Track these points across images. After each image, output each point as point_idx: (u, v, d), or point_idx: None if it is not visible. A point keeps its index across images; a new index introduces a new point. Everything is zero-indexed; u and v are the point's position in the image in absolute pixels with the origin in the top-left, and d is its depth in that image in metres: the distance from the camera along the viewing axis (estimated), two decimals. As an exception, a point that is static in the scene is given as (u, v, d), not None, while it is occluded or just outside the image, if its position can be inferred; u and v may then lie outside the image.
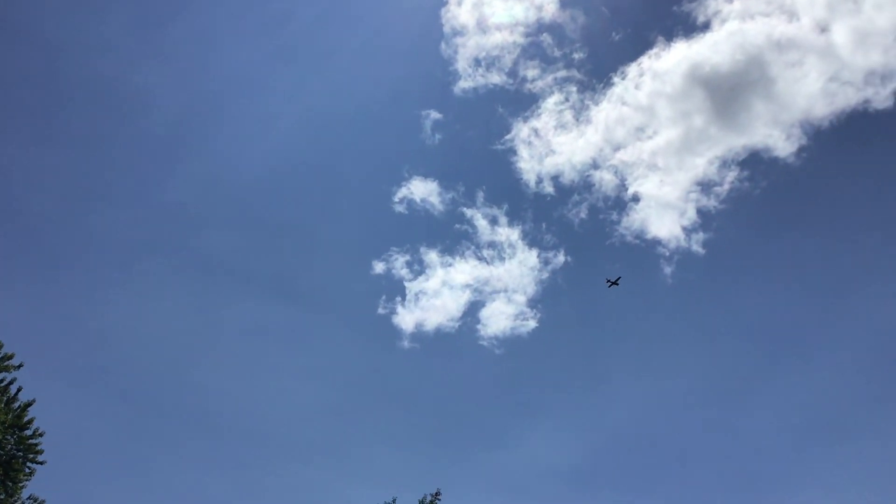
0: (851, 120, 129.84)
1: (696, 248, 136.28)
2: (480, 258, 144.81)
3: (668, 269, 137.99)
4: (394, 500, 41.04)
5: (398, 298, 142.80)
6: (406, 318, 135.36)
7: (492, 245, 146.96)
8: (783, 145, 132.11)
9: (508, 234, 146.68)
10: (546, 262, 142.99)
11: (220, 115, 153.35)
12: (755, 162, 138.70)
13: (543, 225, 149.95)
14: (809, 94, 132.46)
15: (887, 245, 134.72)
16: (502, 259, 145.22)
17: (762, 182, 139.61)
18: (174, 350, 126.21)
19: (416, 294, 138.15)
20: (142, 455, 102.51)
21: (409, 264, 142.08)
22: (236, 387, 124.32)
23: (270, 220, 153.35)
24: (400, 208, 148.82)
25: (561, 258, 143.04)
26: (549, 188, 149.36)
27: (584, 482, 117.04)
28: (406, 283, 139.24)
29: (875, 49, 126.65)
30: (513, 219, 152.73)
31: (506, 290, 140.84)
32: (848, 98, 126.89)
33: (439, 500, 41.37)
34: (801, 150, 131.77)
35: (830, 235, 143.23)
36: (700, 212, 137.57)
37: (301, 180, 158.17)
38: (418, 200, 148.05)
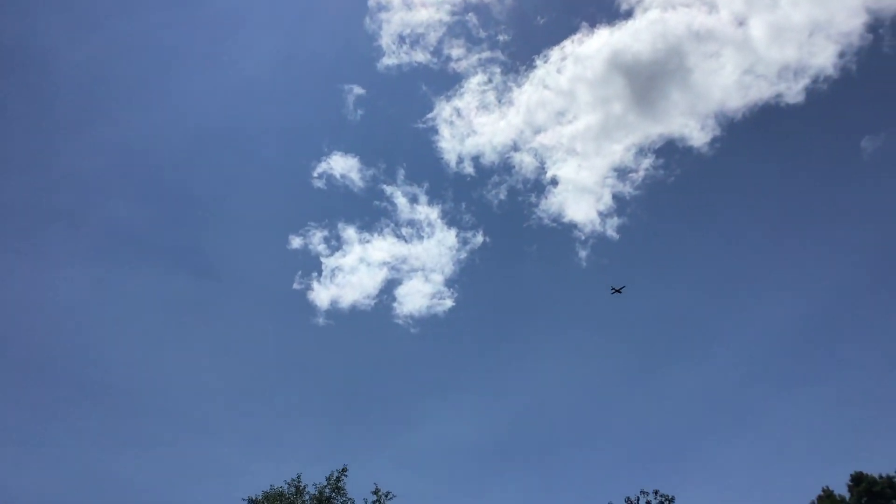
0: (764, 113, 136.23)
1: (611, 232, 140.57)
2: (399, 236, 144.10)
3: (583, 253, 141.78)
4: (298, 476, 40.62)
5: (314, 274, 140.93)
6: (322, 295, 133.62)
7: (411, 223, 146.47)
8: (698, 135, 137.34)
9: (428, 212, 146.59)
10: (464, 242, 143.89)
11: (131, 82, 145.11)
12: (670, 150, 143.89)
13: (463, 205, 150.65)
14: (725, 85, 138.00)
15: (793, 235, 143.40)
16: (421, 238, 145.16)
17: (676, 170, 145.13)
18: (77, 323, 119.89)
19: (333, 270, 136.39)
20: (40, 428, 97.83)
21: (326, 240, 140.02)
22: (143, 361, 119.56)
23: (182, 191, 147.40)
24: (319, 183, 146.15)
25: (479, 238, 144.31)
26: (469, 168, 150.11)
27: (492, 461, 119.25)
28: (323, 259, 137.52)
29: (790, 44, 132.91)
30: (433, 198, 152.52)
31: (423, 269, 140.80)
32: (761, 91, 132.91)
33: (346, 475, 41.34)
34: (714, 140, 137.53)
35: (739, 224, 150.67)
36: (616, 197, 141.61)
37: (216, 151, 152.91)
38: (338, 176, 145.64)
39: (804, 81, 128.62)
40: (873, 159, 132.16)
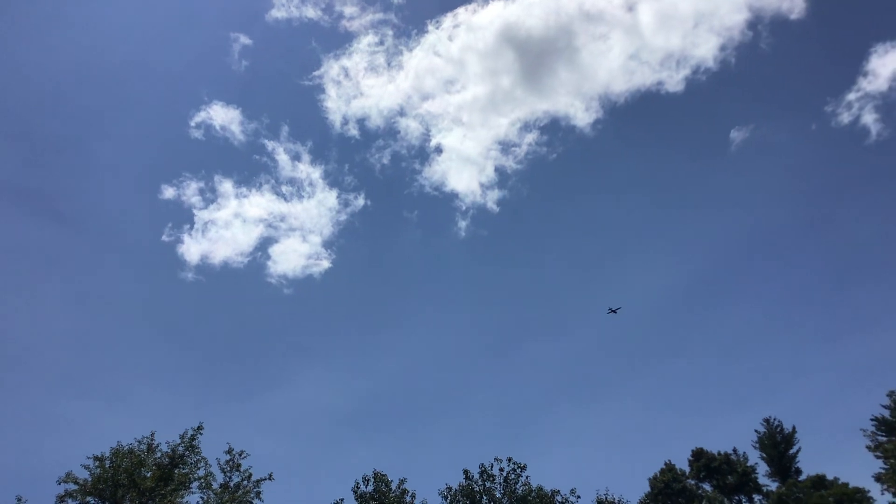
0: (645, 99, 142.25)
1: (491, 205, 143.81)
2: (278, 193, 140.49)
3: (462, 223, 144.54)
4: (152, 434, 40.83)
5: (186, 227, 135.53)
6: (192, 249, 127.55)
7: (291, 181, 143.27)
8: (582, 115, 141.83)
9: (310, 172, 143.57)
10: (345, 205, 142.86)
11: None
12: (554, 128, 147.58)
13: (346, 167, 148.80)
14: (611, 68, 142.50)
15: (662, 219, 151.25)
16: (301, 197, 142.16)
17: (559, 148, 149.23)
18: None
19: (206, 224, 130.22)
20: None
21: (201, 192, 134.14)
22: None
23: (44, 131, 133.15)
24: (197, 133, 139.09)
25: (360, 202, 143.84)
26: (354, 131, 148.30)
27: (356, 425, 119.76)
28: (196, 212, 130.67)
29: (675, 33, 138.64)
30: (316, 157, 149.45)
31: (301, 229, 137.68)
32: (644, 77, 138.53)
33: (201, 433, 41.74)
34: (597, 122, 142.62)
35: (614, 206, 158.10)
36: (498, 170, 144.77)
37: (86, 91, 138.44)
38: (217, 127, 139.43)
39: (685, 71, 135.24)
40: (739, 150, 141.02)
